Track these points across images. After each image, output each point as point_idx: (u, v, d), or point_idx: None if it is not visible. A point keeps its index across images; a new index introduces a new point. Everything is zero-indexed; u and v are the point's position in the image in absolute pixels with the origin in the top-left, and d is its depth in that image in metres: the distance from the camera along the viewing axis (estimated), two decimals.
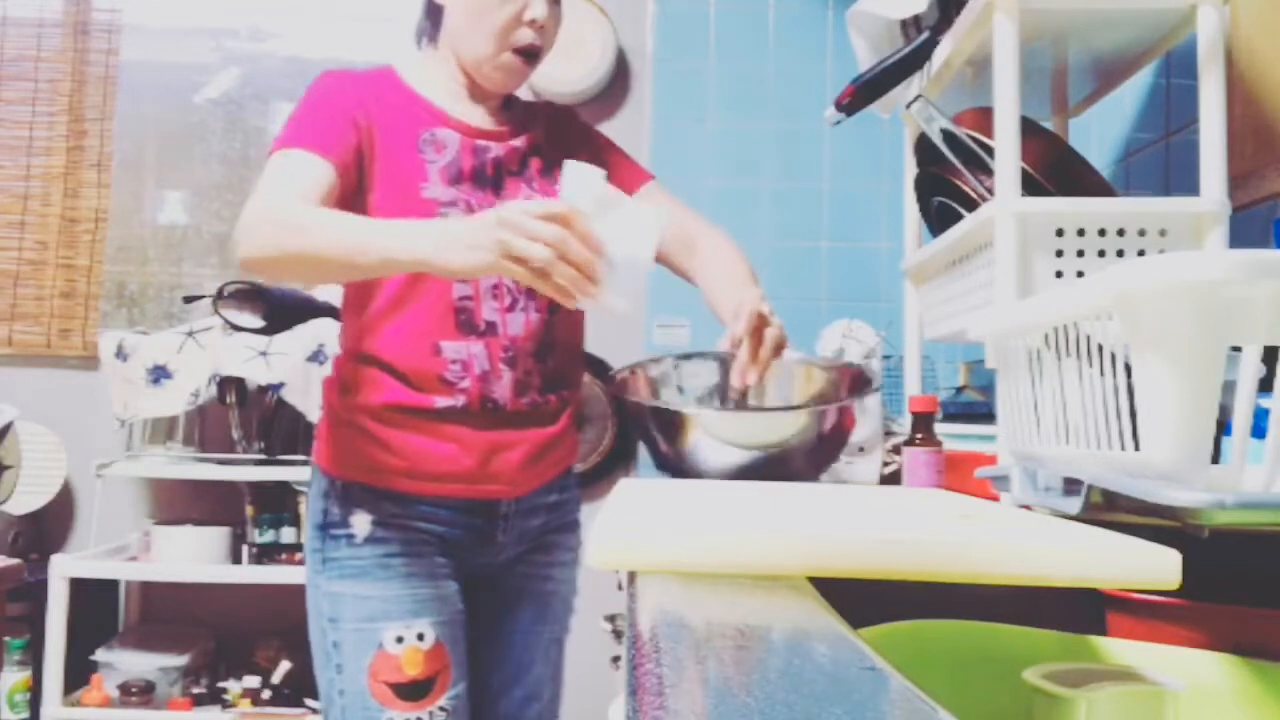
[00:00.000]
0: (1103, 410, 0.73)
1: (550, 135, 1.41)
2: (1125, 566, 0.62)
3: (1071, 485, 0.76)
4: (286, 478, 2.43)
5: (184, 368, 2.40)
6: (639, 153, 1.68)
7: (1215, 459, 0.67)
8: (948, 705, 0.40)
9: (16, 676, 2.38)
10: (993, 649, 0.75)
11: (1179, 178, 1.50)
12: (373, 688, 1.25)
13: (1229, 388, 0.65)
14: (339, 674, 1.27)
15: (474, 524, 1.33)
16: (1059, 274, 1.15)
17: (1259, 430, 0.66)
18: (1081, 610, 0.81)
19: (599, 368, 2.58)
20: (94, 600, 2.45)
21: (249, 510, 2.46)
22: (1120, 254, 1.15)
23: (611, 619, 2.01)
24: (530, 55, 1.31)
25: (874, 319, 1.99)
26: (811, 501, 0.90)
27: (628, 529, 0.64)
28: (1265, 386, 0.65)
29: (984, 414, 1.73)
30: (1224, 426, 0.67)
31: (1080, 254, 1.15)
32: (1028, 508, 0.88)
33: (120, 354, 2.42)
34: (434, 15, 1.36)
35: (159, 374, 2.39)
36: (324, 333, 2.40)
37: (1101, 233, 1.15)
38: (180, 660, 2.40)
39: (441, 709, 1.28)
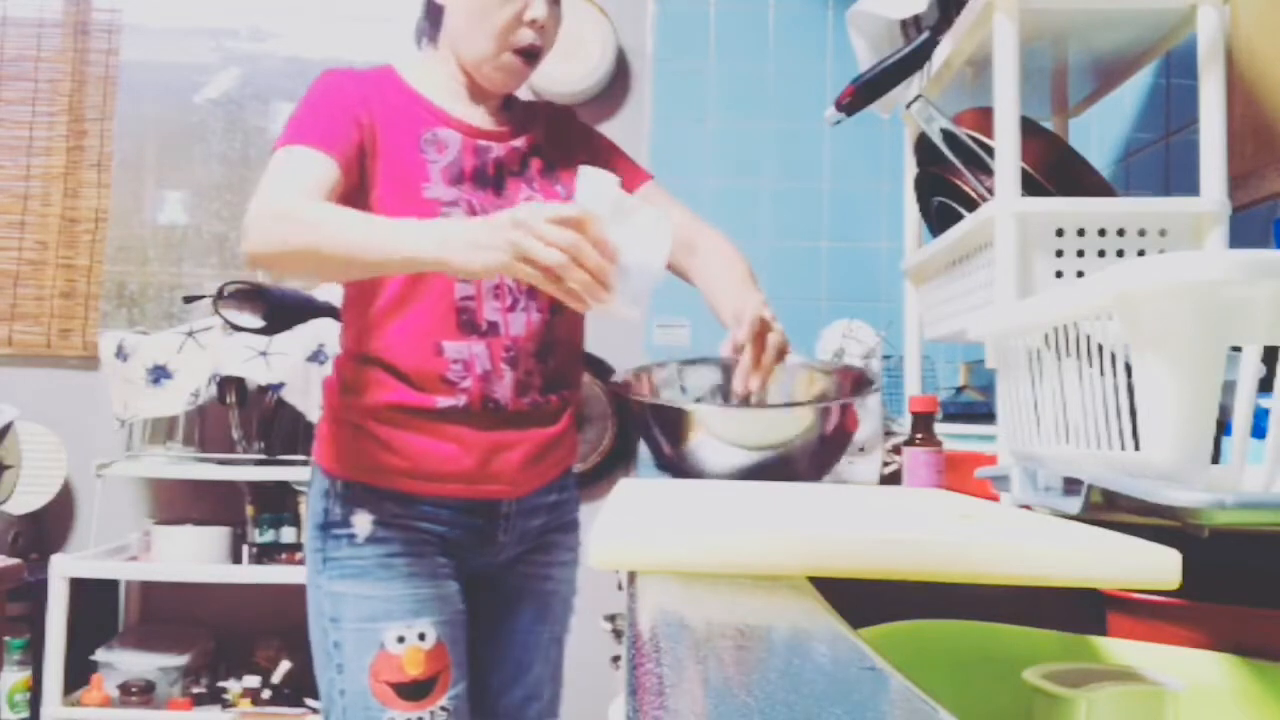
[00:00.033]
0: (1103, 410, 0.73)
1: (550, 135, 1.41)
2: (1125, 566, 0.62)
3: (1071, 485, 0.76)
4: (286, 478, 2.43)
5: (184, 368, 2.40)
6: (639, 153, 1.68)
7: (1215, 459, 0.67)
8: (948, 705, 0.40)
9: (16, 676, 2.38)
10: (993, 649, 0.75)
11: (1179, 178, 1.50)
12: (374, 687, 1.25)
13: (1229, 388, 0.65)
14: (340, 674, 1.27)
15: (475, 524, 1.33)
16: (1059, 274, 1.15)
17: (1259, 430, 0.66)
18: (1081, 610, 0.81)
19: (599, 368, 2.58)
20: (94, 600, 2.45)
21: (249, 510, 2.46)
22: (1120, 254, 1.15)
23: (611, 619, 2.01)
24: (530, 55, 1.31)
25: (874, 319, 1.99)
26: (811, 501, 0.90)
27: (628, 529, 0.64)
28: (1265, 386, 0.65)
29: (984, 414, 1.73)
30: (1224, 426, 0.67)
31: (1080, 254, 1.15)
32: (1028, 508, 0.88)
33: (120, 354, 2.42)
34: (434, 15, 1.36)
35: (159, 374, 2.40)
36: (324, 333, 2.40)
37: (1101, 233, 1.15)
38: (180, 660, 2.40)
39: (443, 709, 1.28)
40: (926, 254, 1.50)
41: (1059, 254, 1.15)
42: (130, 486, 2.66)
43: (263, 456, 2.47)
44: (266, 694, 2.40)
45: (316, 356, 2.38)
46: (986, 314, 1.04)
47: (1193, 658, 0.72)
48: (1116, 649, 0.74)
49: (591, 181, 1.09)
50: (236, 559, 2.44)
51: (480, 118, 1.35)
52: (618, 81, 2.69)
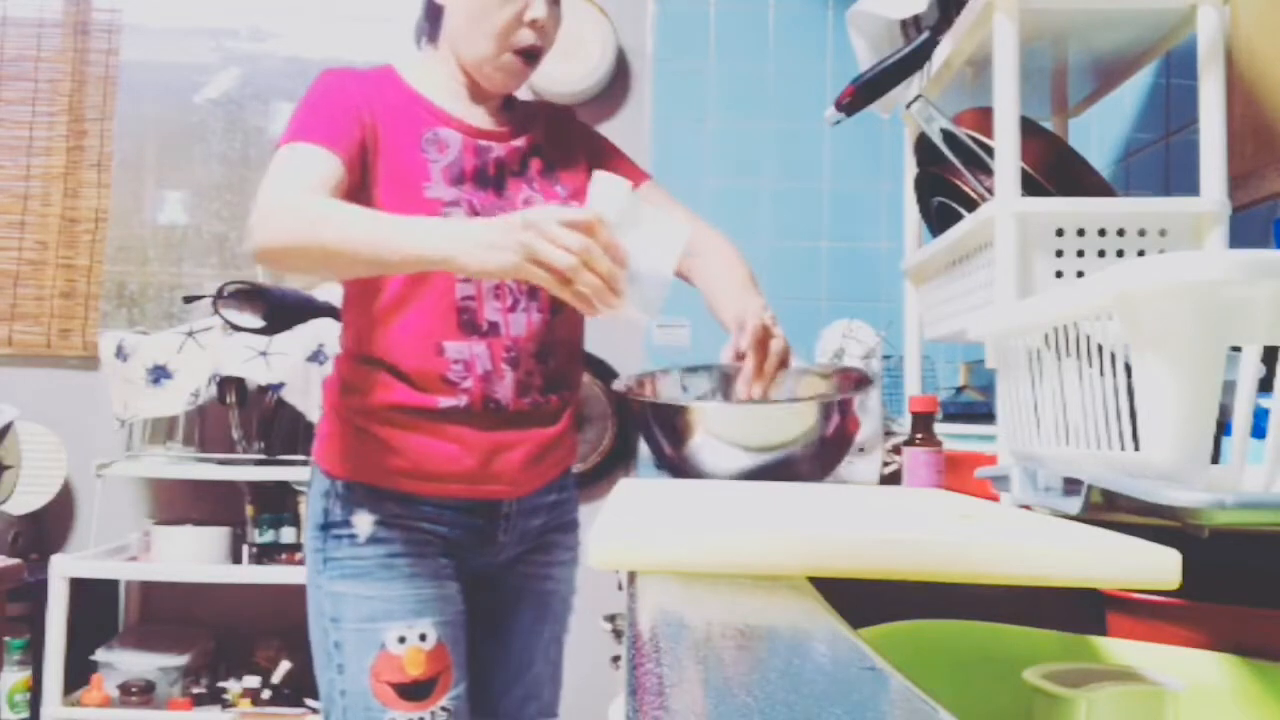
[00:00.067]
0: (1103, 410, 0.73)
1: (550, 136, 1.41)
2: (1125, 566, 0.62)
3: (1071, 485, 0.76)
4: (286, 478, 2.43)
5: (184, 368, 2.40)
6: (639, 153, 1.68)
7: (1215, 459, 0.67)
8: (948, 705, 0.40)
9: (16, 676, 2.38)
10: (993, 649, 0.75)
11: (1179, 178, 1.50)
12: (375, 688, 1.25)
13: (1229, 388, 0.65)
14: (340, 674, 1.27)
15: (475, 524, 1.33)
16: (1059, 274, 1.15)
17: (1259, 430, 0.66)
18: (1081, 610, 0.81)
19: (599, 368, 2.58)
20: (94, 600, 2.45)
21: (249, 510, 2.46)
22: (1120, 254, 1.15)
23: (611, 619, 2.01)
24: (531, 56, 1.31)
25: (874, 319, 1.99)
26: (811, 501, 0.90)
27: (628, 529, 0.64)
28: (1265, 386, 0.65)
29: (984, 414, 1.73)
30: (1224, 426, 0.67)
31: (1080, 254, 1.15)
32: (1028, 508, 0.88)
33: (120, 354, 2.42)
34: (434, 15, 1.36)
35: (159, 374, 2.40)
36: (324, 333, 2.40)
37: (1101, 233, 1.14)
38: (180, 660, 2.40)
39: (443, 709, 1.28)
40: (926, 254, 1.50)
41: (1059, 254, 1.15)
42: (130, 486, 2.66)
43: (263, 456, 2.47)
44: (266, 694, 2.40)
45: (316, 356, 2.38)
46: (986, 314, 1.04)
47: (1193, 658, 0.72)
48: (1116, 649, 0.74)
49: (605, 186, 1.09)
50: (236, 559, 2.44)
51: (480, 118, 1.35)
52: (618, 81, 2.70)
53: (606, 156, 1.46)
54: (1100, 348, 0.72)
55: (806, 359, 1.85)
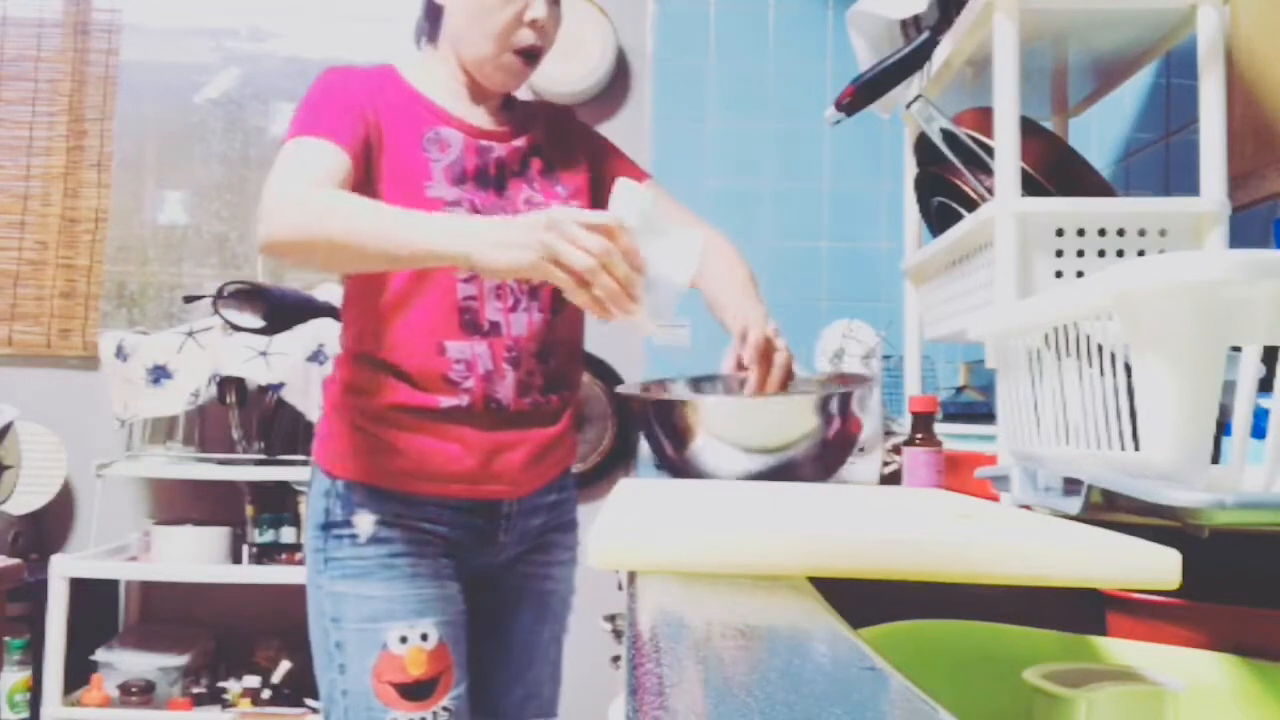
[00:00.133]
0: (1103, 410, 0.73)
1: (550, 135, 1.41)
2: (1125, 566, 0.62)
3: (1071, 485, 0.76)
4: (286, 478, 2.43)
5: (184, 368, 2.40)
6: (639, 153, 1.68)
7: (1215, 459, 0.67)
8: (948, 705, 0.40)
9: (16, 676, 2.38)
10: (993, 649, 0.75)
11: (1179, 178, 1.50)
12: (376, 688, 1.25)
13: (1229, 388, 0.65)
14: (342, 674, 1.27)
15: (475, 524, 1.33)
16: (1059, 274, 1.15)
17: (1259, 430, 0.66)
18: (1081, 610, 0.81)
19: (599, 368, 2.58)
20: (94, 600, 2.45)
21: (249, 510, 2.46)
22: (1120, 254, 1.15)
23: (611, 619, 2.01)
24: (531, 56, 1.31)
25: (874, 319, 1.99)
26: (811, 501, 0.90)
27: (628, 529, 0.64)
28: (1265, 386, 0.65)
29: (984, 414, 1.73)
30: (1224, 426, 0.67)
31: (1080, 254, 1.15)
32: (1028, 508, 0.88)
33: (120, 354, 2.42)
34: (433, 15, 1.36)
35: (159, 374, 2.40)
36: (324, 333, 2.40)
37: (1101, 233, 1.14)
38: (180, 660, 2.40)
39: (445, 709, 1.28)
40: (926, 254, 1.50)
41: (1059, 254, 1.15)
42: (130, 486, 2.66)
43: (263, 456, 2.47)
44: (266, 694, 2.40)
45: (316, 356, 2.38)
46: (986, 314, 1.04)
47: (1193, 658, 0.72)
48: (1116, 649, 0.74)
49: (626, 193, 1.10)
50: (236, 559, 2.44)
51: (481, 118, 1.35)
52: (618, 81, 2.69)
53: (607, 156, 1.46)
54: (1100, 348, 0.72)
55: (806, 359, 1.85)
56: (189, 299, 2.62)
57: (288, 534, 2.45)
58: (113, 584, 2.60)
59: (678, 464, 1.26)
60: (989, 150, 1.20)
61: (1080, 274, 1.14)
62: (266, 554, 2.43)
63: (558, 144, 1.41)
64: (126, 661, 2.39)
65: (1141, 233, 1.14)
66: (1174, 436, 0.65)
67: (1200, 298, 0.63)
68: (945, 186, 1.36)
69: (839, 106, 1.41)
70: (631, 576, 0.64)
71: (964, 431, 1.44)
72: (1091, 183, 1.33)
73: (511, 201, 1.32)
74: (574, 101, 2.55)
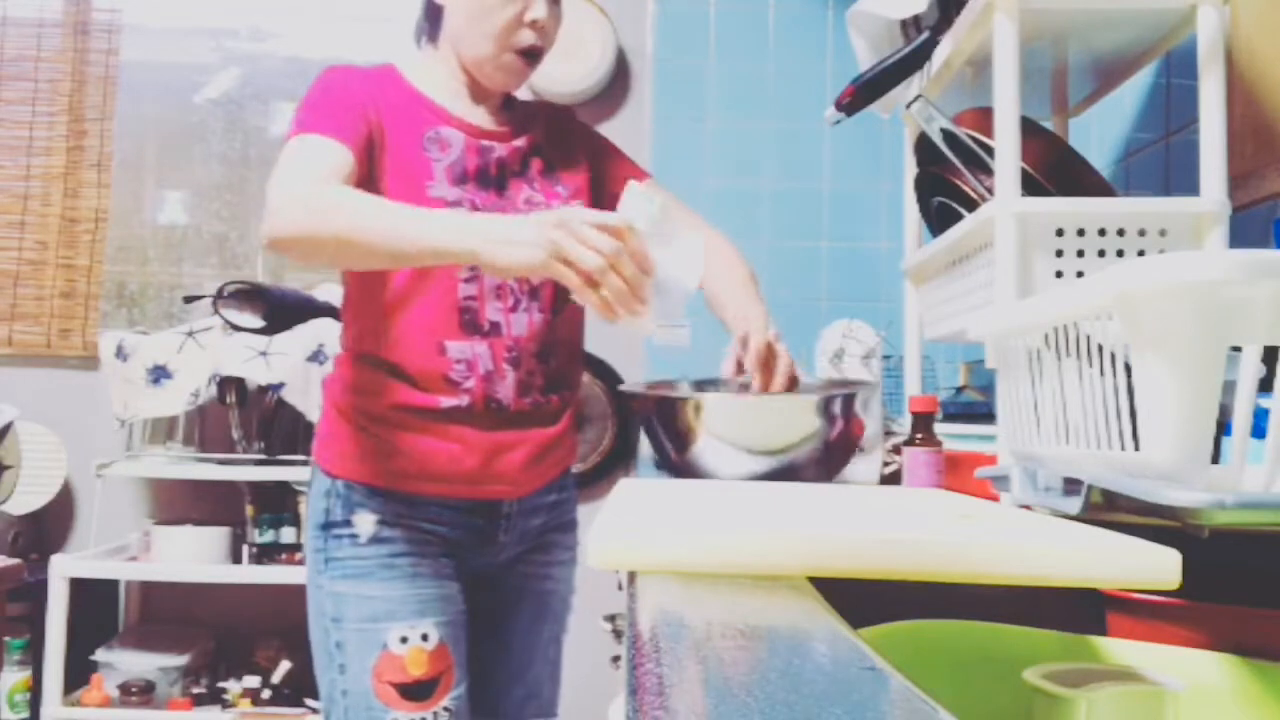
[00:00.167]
0: (1103, 410, 0.73)
1: (550, 136, 1.41)
2: (1125, 566, 0.62)
3: (1071, 485, 0.76)
4: (286, 478, 2.43)
5: (184, 368, 2.40)
6: (639, 153, 1.68)
7: (1215, 459, 0.67)
8: (948, 705, 0.40)
9: (16, 676, 2.38)
10: (993, 649, 0.75)
11: (1179, 178, 1.50)
12: (377, 688, 1.25)
13: (1229, 388, 0.65)
14: (342, 674, 1.27)
15: (476, 524, 1.33)
16: (1059, 274, 1.15)
17: (1259, 430, 0.66)
18: (1081, 610, 0.81)
19: (599, 368, 2.58)
20: (94, 600, 2.45)
21: (249, 510, 2.46)
22: (1120, 254, 1.15)
23: (611, 619, 2.01)
24: (531, 56, 1.31)
25: (874, 319, 1.99)
26: (811, 501, 0.90)
27: (628, 529, 0.64)
28: (1265, 386, 0.65)
29: (984, 414, 1.73)
30: (1224, 426, 0.67)
31: (1080, 254, 1.15)
32: (1028, 508, 0.88)
33: (120, 354, 2.42)
34: (433, 15, 1.36)
35: (159, 374, 2.40)
36: (324, 333, 2.40)
37: (1101, 233, 1.14)
38: (180, 660, 2.40)
39: (445, 709, 1.28)
40: (926, 254, 1.50)
41: (1059, 254, 1.15)
42: (130, 486, 2.66)
43: (263, 456, 2.47)
44: (266, 694, 2.40)
45: (316, 356, 2.38)
46: (986, 314, 1.04)
47: (1193, 658, 0.72)
48: (1116, 649, 0.74)
49: (636, 196, 1.10)
50: (236, 559, 2.44)
51: (481, 117, 1.35)
52: (618, 81, 2.69)
53: (607, 156, 1.46)
54: (1100, 348, 0.72)
55: (806, 359, 1.85)
56: (189, 299, 2.62)
57: (288, 534, 2.45)
58: (113, 584, 2.59)
59: (680, 465, 1.26)
60: (989, 150, 1.20)
61: (1080, 274, 1.14)
62: (266, 554, 2.43)
63: (558, 144, 1.41)
64: (126, 661, 2.39)
65: (1141, 233, 1.14)
66: (1174, 436, 0.65)
67: (1200, 298, 0.63)
68: (945, 186, 1.36)
69: (839, 106, 1.41)
70: (631, 576, 0.64)
71: (964, 431, 1.44)
72: (1091, 183, 1.33)
73: (512, 201, 1.32)
74: (574, 101, 2.55)
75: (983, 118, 1.25)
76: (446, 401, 1.27)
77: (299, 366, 2.36)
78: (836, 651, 0.48)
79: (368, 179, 1.24)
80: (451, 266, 1.25)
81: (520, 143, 1.36)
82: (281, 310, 2.41)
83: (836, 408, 1.23)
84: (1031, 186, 1.19)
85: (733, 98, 2.50)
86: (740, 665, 0.46)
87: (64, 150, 2.78)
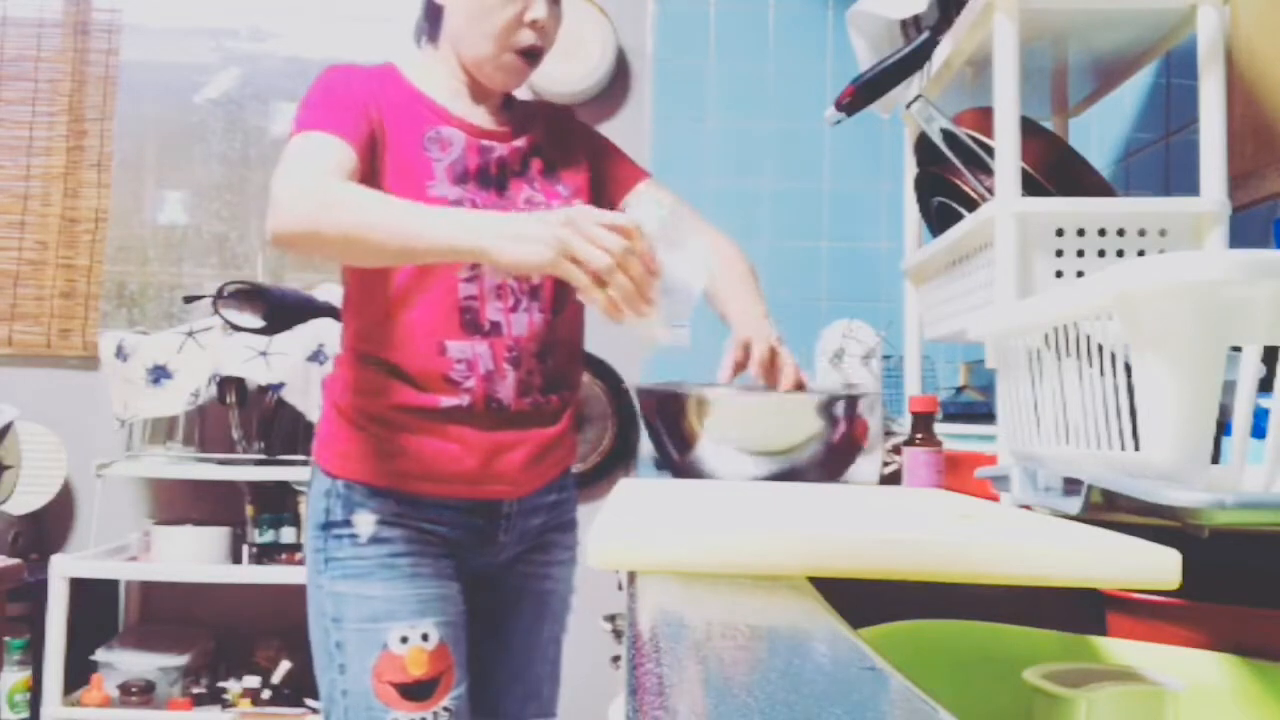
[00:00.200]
0: (1103, 410, 0.73)
1: (550, 135, 1.41)
2: (1125, 566, 0.62)
3: (1071, 485, 0.76)
4: (286, 478, 2.43)
5: (184, 368, 2.40)
6: (639, 153, 1.68)
7: (1215, 459, 0.67)
8: (948, 705, 0.40)
9: (16, 676, 2.38)
10: (993, 649, 0.75)
11: (1179, 178, 1.50)
12: (377, 688, 1.25)
13: (1229, 388, 0.65)
14: (342, 674, 1.27)
15: (476, 524, 1.33)
16: (1059, 274, 1.15)
17: (1259, 430, 0.66)
18: (1081, 610, 0.81)
19: (599, 368, 2.58)
20: (94, 600, 2.45)
21: (249, 510, 2.46)
22: (1120, 254, 1.15)
23: (611, 619, 2.01)
24: (531, 56, 1.31)
25: (874, 319, 1.99)
26: (811, 501, 0.90)
27: (628, 529, 0.64)
28: (1265, 386, 0.65)
29: (984, 414, 1.73)
30: (1224, 426, 0.67)
31: (1080, 254, 1.15)
32: (1028, 508, 0.88)
33: (120, 354, 2.42)
34: (433, 15, 1.36)
35: (159, 374, 2.39)
36: (324, 333, 2.40)
37: (1101, 233, 1.15)
38: (180, 660, 2.40)
39: (445, 709, 1.28)
40: (926, 254, 1.50)
41: (1059, 254, 1.15)
42: (130, 486, 2.66)
43: (263, 456, 2.47)
44: (266, 694, 2.40)
45: (316, 356, 2.38)
46: (986, 314, 1.04)
47: (1193, 658, 0.72)
48: (1116, 649, 0.74)
49: (646, 199, 1.11)
50: (236, 559, 2.44)
51: (481, 117, 1.35)
52: (618, 81, 2.69)
53: (607, 156, 1.46)
54: (1100, 348, 0.72)
55: (806, 359, 1.84)
56: (189, 299, 2.62)
57: (288, 534, 2.45)
58: (113, 584, 2.59)
59: (682, 466, 1.26)
60: (989, 150, 1.20)
61: (1080, 274, 1.14)
62: (266, 554, 2.43)
63: (558, 144, 1.41)
64: (126, 661, 2.39)
65: (1141, 233, 1.14)
66: (1174, 436, 0.65)
67: (1200, 298, 0.63)
68: (945, 186, 1.36)
69: (839, 106, 1.41)
70: (631, 576, 0.64)
71: (964, 431, 1.44)
72: (1091, 183, 1.33)
73: (512, 201, 1.32)
74: (574, 101, 2.55)
75: (983, 118, 1.25)
76: (447, 401, 1.27)
77: (299, 366, 2.36)
78: (836, 651, 0.48)
79: (369, 177, 1.24)
80: (452, 266, 1.26)
81: (520, 143, 1.36)
82: (281, 310, 2.41)
83: (841, 410, 1.23)
84: (1031, 186, 1.19)
85: (733, 98, 2.50)
86: (740, 665, 0.46)
87: (64, 150, 2.78)
